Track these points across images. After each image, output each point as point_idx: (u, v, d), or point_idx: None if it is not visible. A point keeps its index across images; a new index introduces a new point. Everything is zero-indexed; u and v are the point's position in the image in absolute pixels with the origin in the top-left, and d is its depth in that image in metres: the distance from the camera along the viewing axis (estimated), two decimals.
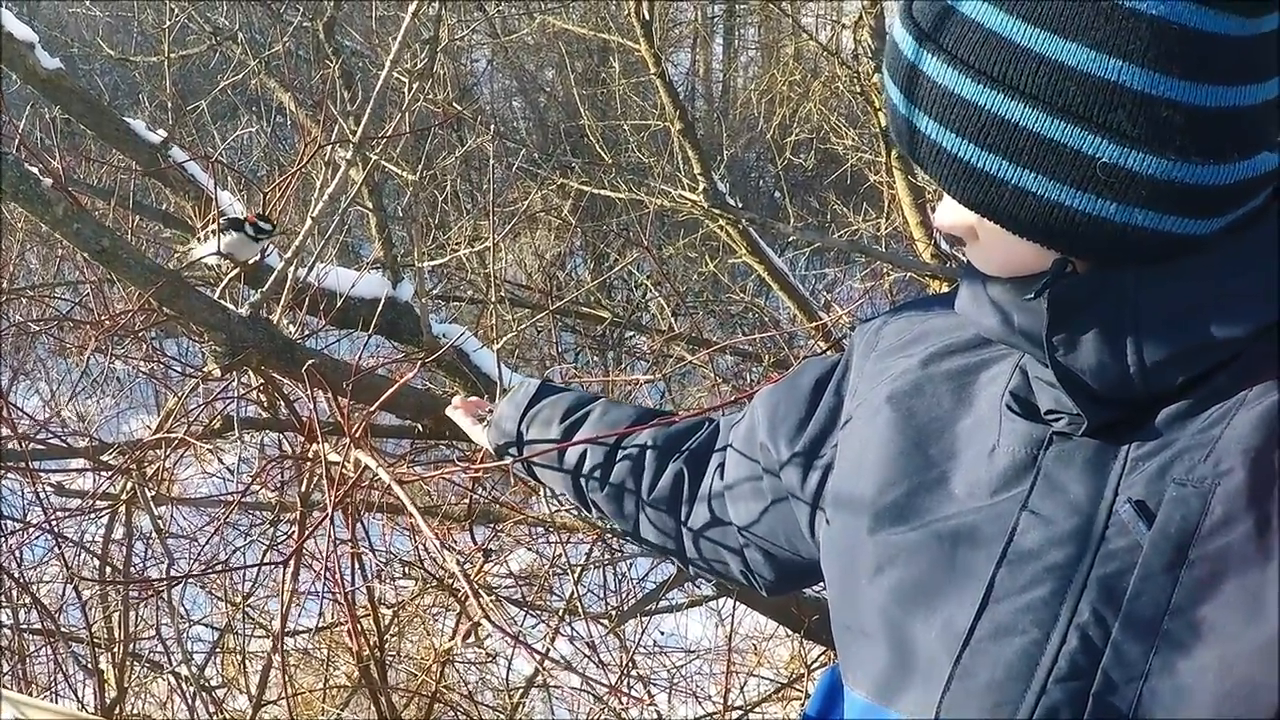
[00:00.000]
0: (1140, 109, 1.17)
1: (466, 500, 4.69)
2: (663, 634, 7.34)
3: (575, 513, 4.59)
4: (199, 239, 2.71)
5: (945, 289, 5.61)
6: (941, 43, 1.26)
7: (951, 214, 1.36)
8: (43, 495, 4.40)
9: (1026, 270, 1.32)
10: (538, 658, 3.39)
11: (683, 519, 2.03)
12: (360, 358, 3.74)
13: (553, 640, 5.33)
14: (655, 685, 6.29)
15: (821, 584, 1.67)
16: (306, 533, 3.13)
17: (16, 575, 4.62)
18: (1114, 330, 1.27)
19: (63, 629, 4.83)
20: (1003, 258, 1.34)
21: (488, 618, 2.22)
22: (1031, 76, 1.20)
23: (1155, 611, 1.20)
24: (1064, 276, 1.28)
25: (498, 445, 2.40)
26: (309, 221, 3.44)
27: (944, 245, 6.93)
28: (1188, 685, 1.17)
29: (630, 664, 5.63)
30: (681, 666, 6.64)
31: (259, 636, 5.66)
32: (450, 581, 4.41)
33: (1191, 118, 1.17)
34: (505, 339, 5.29)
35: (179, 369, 5.21)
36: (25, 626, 5.00)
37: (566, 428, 2.25)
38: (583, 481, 2.19)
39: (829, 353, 1.75)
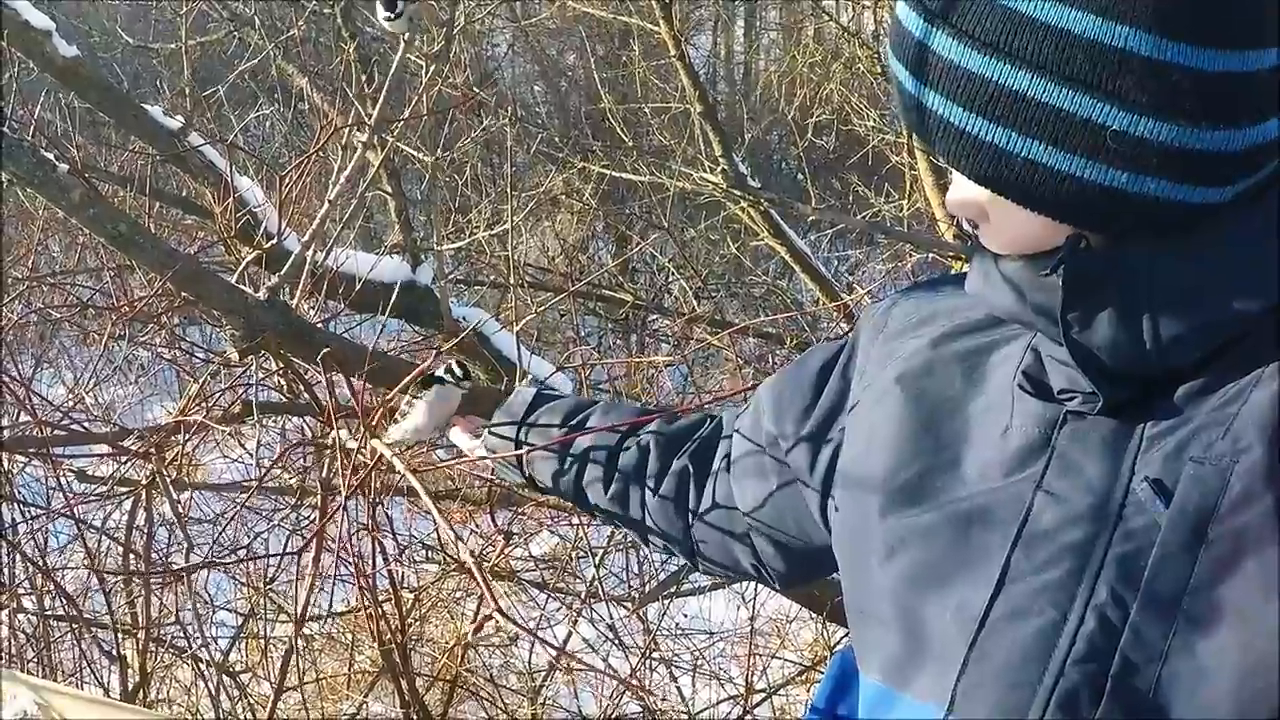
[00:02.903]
0: (1148, 75, 1.16)
1: (488, 483, 4.68)
2: (685, 616, 7.33)
3: None
4: (399, 418, 2.67)
5: (966, 267, 5.60)
6: (945, 14, 1.24)
7: (962, 194, 1.35)
8: (65, 482, 4.41)
9: (1039, 248, 1.30)
10: (554, 652, 3.37)
11: (690, 516, 2.01)
12: (377, 341, 3.73)
13: (575, 624, 5.32)
14: (678, 668, 6.29)
15: (836, 572, 1.66)
16: (326, 518, 3.12)
17: (40, 562, 4.63)
18: (1130, 306, 1.25)
19: (86, 615, 4.84)
20: (1014, 235, 1.32)
21: (501, 613, 2.20)
22: (1038, 45, 1.18)
23: (1174, 591, 1.19)
24: (1078, 252, 1.27)
25: (497, 458, 2.37)
26: (326, 205, 3.44)
27: (966, 225, 6.91)
28: (1208, 666, 1.16)
29: (653, 646, 5.63)
30: (704, 649, 6.63)
31: (283, 621, 5.66)
32: (468, 566, 4.42)
33: (1200, 83, 1.16)
34: (525, 322, 5.28)
35: (202, 355, 5.22)
36: (49, 613, 5.01)
37: (565, 434, 2.23)
38: (586, 486, 2.17)
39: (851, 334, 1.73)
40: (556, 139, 10.18)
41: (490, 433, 2.37)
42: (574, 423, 2.23)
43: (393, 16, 3.54)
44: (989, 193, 1.29)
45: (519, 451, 2.28)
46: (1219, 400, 1.23)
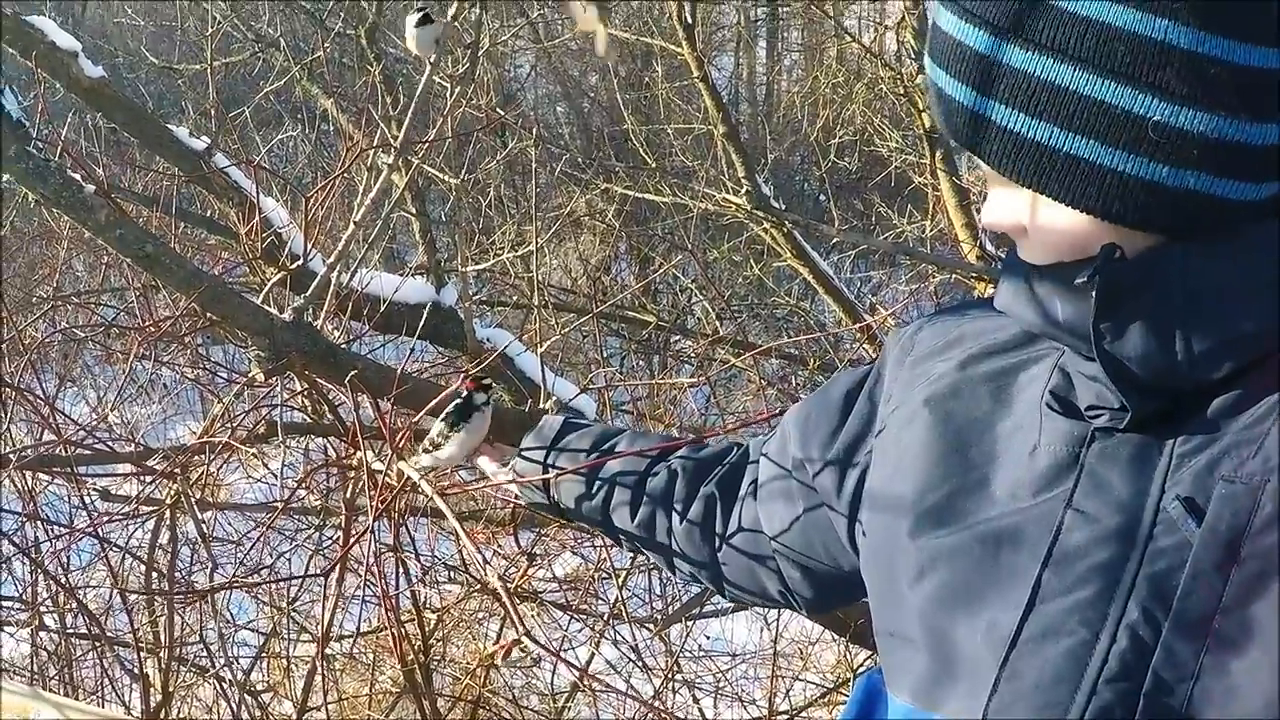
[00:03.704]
0: (1188, 67, 1.18)
1: (511, 504, 4.68)
2: (708, 638, 7.33)
3: None
4: (428, 447, 2.67)
5: (990, 290, 5.60)
6: (985, 14, 1.26)
7: (999, 211, 1.36)
8: (89, 501, 4.42)
9: (1077, 254, 1.31)
10: (577, 673, 3.36)
11: (717, 543, 2.02)
12: (405, 363, 3.73)
13: (597, 645, 5.32)
14: (700, 690, 6.28)
15: (863, 598, 1.66)
16: (351, 539, 3.12)
17: (63, 581, 4.64)
18: (1162, 318, 1.26)
19: (109, 634, 4.85)
20: (1054, 240, 1.32)
21: (529, 635, 2.20)
22: (1079, 39, 1.20)
23: (1206, 610, 1.19)
24: (1112, 262, 1.27)
25: (524, 484, 2.37)
26: (351, 226, 3.44)
27: (989, 246, 6.91)
28: (1239, 685, 1.16)
29: (675, 668, 5.62)
30: (727, 671, 6.62)
31: (304, 641, 5.67)
32: (493, 588, 4.42)
33: (1239, 76, 1.18)
34: (549, 343, 5.29)
35: (225, 375, 5.24)
36: (72, 631, 5.02)
37: (593, 460, 2.23)
38: (612, 512, 2.17)
39: (876, 355, 1.75)
40: (579, 160, 10.20)
41: (520, 457, 2.38)
42: (603, 449, 2.23)
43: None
44: (1028, 198, 1.30)
45: (546, 475, 2.28)
46: (1249, 419, 1.24)
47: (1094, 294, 1.27)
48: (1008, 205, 1.35)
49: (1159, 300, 1.26)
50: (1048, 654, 1.27)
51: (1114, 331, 1.28)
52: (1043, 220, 1.32)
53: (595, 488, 2.19)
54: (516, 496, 2.48)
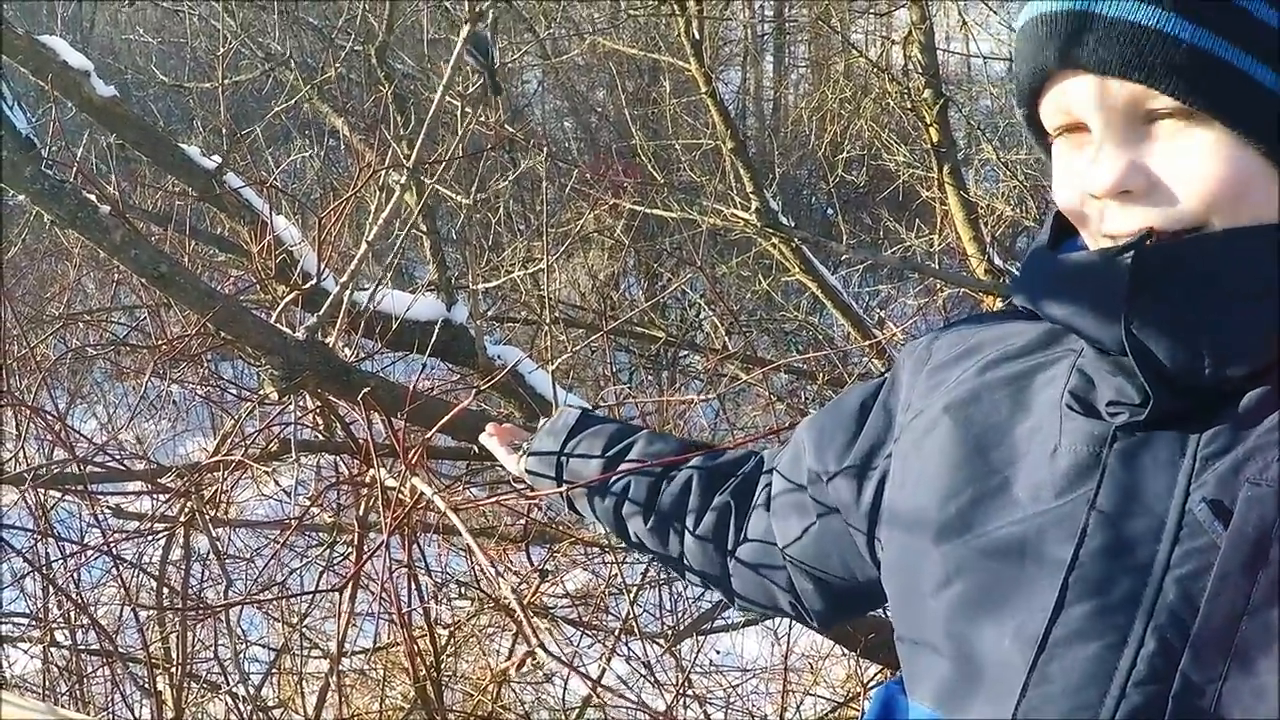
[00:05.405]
0: None
1: (523, 521, 4.69)
2: (719, 653, 7.32)
3: None
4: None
5: (999, 304, 5.59)
6: None
7: (1129, 165, 1.30)
8: (101, 517, 4.44)
9: (1213, 211, 1.27)
10: (590, 683, 3.37)
11: (729, 552, 2.01)
12: (416, 380, 3.75)
13: (609, 660, 5.32)
14: (711, 704, 6.28)
15: (874, 610, 1.66)
16: (364, 556, 3.13)
17: (75, 596, 4.66)
18: (1191, 307, 1.25)
19: (121, 650, 4.86)
20: (1229, 179, 1.27)
21: (543, 647, 2.21)
22: None
23: (1234, 612, 1.19)
24: (1144, 249, 1.27)
25: (535, 476, 2.38)
26: (364, 245, 3.46)
27: (997, 261, 6.91)
28: (1267, 685, 1.16)
29: (686, 683, 5.62)
30: (737, 686, 6.62)
31: (316, 657, 5.68)
32: (506, 602, 4.43)
33: None
34: (560, 360, 5.30)
35: (235, 392, 5.25)
36: (83, 647, 5.03)
37: (608, 460, 2.23)
38: (625, 516, 2.17)
39: (884, 369, 1.74)
40: (588, 175, 10.21)
41: (530, 460, 2.38)
42: (617, 450, 2.23)
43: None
44: (1186, 143, 1.27)
45: (560, 489, 2.29)
46: (1273, 421, 1.23)
47: (1127, 277, 1.26)
48: (1140, 157, 1.29)
49: (1189, 289, 1.25)
50: (1076, 657, 1.27)
51: (1142, 317, 1.27)
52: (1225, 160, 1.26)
53: (609, 492, 2.20)
54: (529, 486, 2.49)
